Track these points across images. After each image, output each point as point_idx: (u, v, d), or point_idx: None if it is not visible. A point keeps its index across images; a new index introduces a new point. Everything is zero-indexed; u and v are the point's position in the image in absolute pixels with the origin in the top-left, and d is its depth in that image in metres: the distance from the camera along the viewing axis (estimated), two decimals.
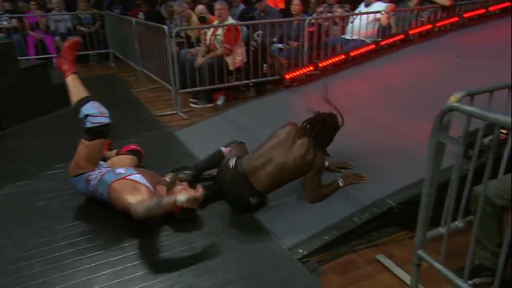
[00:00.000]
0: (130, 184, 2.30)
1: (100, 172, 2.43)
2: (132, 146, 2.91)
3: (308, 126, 2.54)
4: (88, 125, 2.41)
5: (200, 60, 4.69)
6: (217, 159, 2.75)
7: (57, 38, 7.06)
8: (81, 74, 6.74)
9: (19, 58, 5.41)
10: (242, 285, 1.94)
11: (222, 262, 2.10)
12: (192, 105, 4.82)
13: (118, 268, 2.05)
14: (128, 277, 1.99)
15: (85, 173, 2.45)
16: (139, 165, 2.80)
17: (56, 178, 2.82)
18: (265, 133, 3.65)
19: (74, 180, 2.49)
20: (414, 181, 2.49)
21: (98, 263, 2.08)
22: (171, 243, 2.23)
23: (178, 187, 2.40)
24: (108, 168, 2.48)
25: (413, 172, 2.56)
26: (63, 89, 4.60)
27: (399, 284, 1.99)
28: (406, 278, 1.99)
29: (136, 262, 2.09)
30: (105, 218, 2.37)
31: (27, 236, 2.30)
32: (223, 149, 2.79)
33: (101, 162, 2.61)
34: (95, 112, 2.42)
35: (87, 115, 2.41)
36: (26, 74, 4.11)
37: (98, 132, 2.42)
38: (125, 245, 2.20)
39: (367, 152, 2.99)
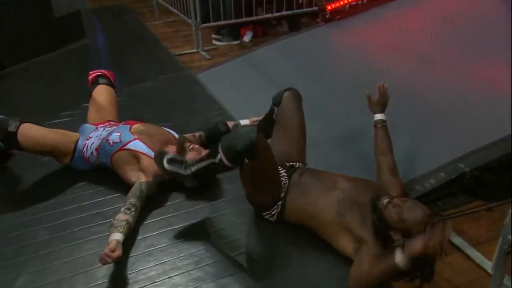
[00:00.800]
0: (129, 155, 2.09)
1: (92, 143, 2.20)
2: (95, 73, 2.58)
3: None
4: None
5: None
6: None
7: None
8: (87, 4, 6.40)
9: None
10: (277, 267, 1.74)
11: (254, 235, 1.91)
12: (215, 42, 4.48)
13: (135, 239, 1.86)
14: (146, 250, 1.82)
15: (74, 151, 2.22)
16: (114, 89, 2.53)
17: (64, 128, 2.59)
18: (299, 77, 3.39)
19: (72, 165, 2.27)
20: (492, 141, 2.17)
21: None
22: (194, 210, 2.03)
23: (189, 154, 2.06)
24: (99, 136, 2.21)
25: (491, 129, 2.24)
26: (68, 23, 4.39)
27: (474, 270, 1.75)
28: (484, 262, 1.75)
29: (155, 233, 1.90)
30: (119, 179, 2.15)
31: (30, 198, 2.13)
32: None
33: (87, 126, 2.35)
34: None
35: None
36: (25, 4, 3.81)
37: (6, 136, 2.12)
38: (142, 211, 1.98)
39: (429, 103, 2.64)
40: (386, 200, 1.56)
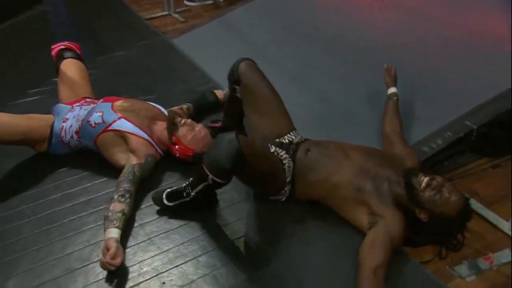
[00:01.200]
0: (115, 135, 1.93)
1: (70, 125, 2.01)
2: (58, 47, 2.35)
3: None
4: None
5: None
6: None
7: None
8: None
9: None
10: (287, 247, 1.67)
11: (258, 213, 1.82)
12: (187, 2, 4.22)
13: (132, 227, 1.73)
14: (146, 238, 1.69)
15: (51, 136, 2.03)
16: (82, 62, 2.33)
17: (34, 107, 2.37)
18: (281, 37, 3.19)
19: (50, 151, 2.07)
20: (497, 94, 2.12)
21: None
22: None
23: (182, 130, 1.94)
24: (77, 117, 2.02)
25: (494, 83, 2.18)
26: None
27: (491, 231, 1.72)
28: (500, 222, 1.72)
29: (153, 218, 1.78)
30: (105, 161, 1.99)
31: (8, 189, 1.95)
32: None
33: (61, 106, 2.14)
34: None
35: None
36: None
37: None
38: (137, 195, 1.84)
39: (427, 59, 2.55)
40: (424, 180, 1.49)
